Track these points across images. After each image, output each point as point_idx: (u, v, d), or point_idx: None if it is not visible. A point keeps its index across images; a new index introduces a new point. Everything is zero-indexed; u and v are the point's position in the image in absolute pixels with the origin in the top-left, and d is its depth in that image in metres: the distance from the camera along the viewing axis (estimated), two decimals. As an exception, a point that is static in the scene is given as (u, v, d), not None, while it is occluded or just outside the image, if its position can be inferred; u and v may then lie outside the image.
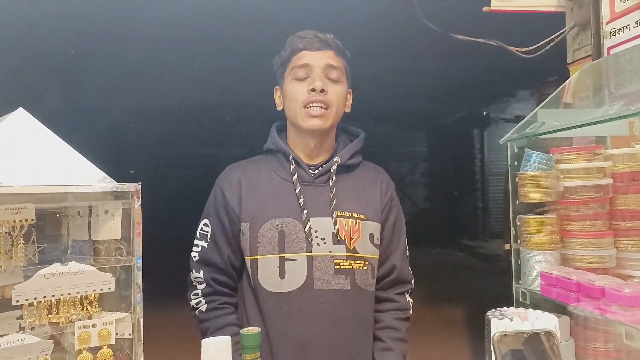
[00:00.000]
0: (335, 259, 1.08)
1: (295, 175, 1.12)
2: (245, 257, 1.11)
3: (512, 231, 0.99)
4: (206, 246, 1.14)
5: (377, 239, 1.14)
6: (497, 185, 8.05)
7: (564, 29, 1.49)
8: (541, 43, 1.54)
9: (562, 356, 0.87)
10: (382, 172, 1.24)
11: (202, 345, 0.67)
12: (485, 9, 1.59)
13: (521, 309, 0.84)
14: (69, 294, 0.66)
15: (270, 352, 1.07)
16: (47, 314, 0.64)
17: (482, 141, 8.38)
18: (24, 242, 0.63)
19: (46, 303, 0.64)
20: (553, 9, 1.56)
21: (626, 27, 1.16)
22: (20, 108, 0.68)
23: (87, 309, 0.67)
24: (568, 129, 0.89)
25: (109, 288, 0.68)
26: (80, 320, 0.66)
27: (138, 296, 0.68)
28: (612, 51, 1.20)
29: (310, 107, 1.11)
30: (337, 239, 1.09)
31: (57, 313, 0.65)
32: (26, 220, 0.64)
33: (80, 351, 0.66)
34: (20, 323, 0.64)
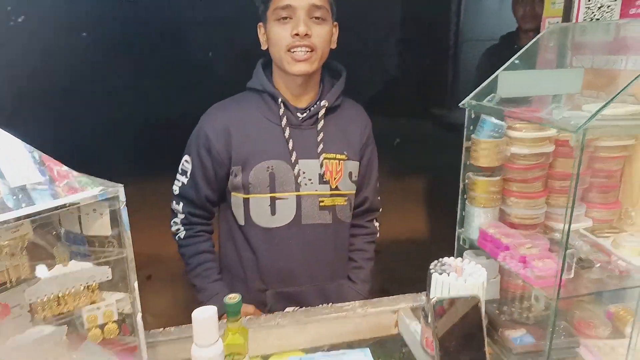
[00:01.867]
0: (320, 197, 1.22)
1: (285, 119, 1.18)
2: (237, 195, 1.22)
3: (461, 185, 1.11)
4: (185, 182, 1.25)
5: (355, 176, 1.27)
6: (470, 52, 7.92)
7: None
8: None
9: (489, 292, 1.07)
10: (361, 111, 1.32)
11: (192, 319, 0.81)
12: None
13: (458, 261, 1.00)
14: (73, 287, 0.76)
15: (261, 280, 1.26)
16: (57, 306, 0.75)
17: (458, 4, 8.00)
18: (26, 254, 0.71)
19: (54, 297, 0.75)
20: None
21: (601, -29, 1.13)
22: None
23: (90, 296, 0.78)
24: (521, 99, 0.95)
25: (107, 277, 0.79)
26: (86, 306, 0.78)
27: (135, 284, 0.79)
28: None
29: (294, 51, 1.11)
30: (322, 180, 1.21)
31: (66, 304, 0.76)
32: (25, 235, 0.71)
33: (89, 329, 0.79)
34: (29, 316, 0.75)
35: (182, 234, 1.27)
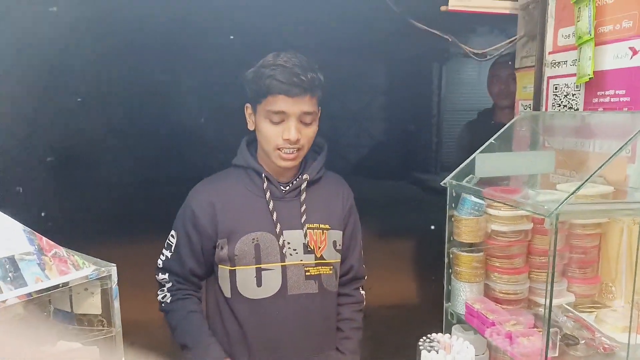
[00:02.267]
0: (306, 267, 1.23)
1: (268, 192, 1.23)
2: (223, 268, 1.23)
3: (446, 260, 1.14)
4: (169, 256, 1.27)
5: (339, 245, 1.30)
6: (451, 120, 8.28)
7: (514, 37, 1.55)
8: (492, 48, 1.61)
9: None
10: (342, 183, 1.38)
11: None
12: (443, 8, 1.61)
13: (447, 337, 1.01)
14: (60, 368, 0.75)
15: (248, 353, 1.24)
16: (42, 389, 0.74)
17: (440, 76, 8.47)
18: (15, 335, 0.71)
19: (40, 379, 0.74)
20: (507, 11, 1.60)
21: (564, 62, 1.25)
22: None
23: (76, 378, 0.77)
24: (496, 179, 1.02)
25: (95, 358, 0.78)
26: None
27: (121, 364, 0.79)
28: (552, 81, 1.30)
29: (283, 150, 1.19)
30: (307, 249, 1.23)
31: (51, 386, 0.75)
32: (16, 315, 0.71)
33: (73, 413, 0.77)
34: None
35: (168, 300, 1.27)
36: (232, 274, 1.23)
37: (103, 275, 0.76)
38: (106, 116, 1.80)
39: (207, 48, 2.00)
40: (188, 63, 2.05)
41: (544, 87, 1.32)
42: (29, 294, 0.69)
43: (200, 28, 1.97)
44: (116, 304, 0.78)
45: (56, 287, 0.72)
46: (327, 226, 1.28)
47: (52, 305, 0.82)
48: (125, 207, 1.80)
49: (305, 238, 1.24)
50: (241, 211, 1.23)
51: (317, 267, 1.26)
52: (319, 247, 1.26)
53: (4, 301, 0.66)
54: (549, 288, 0.80)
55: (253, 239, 1.21)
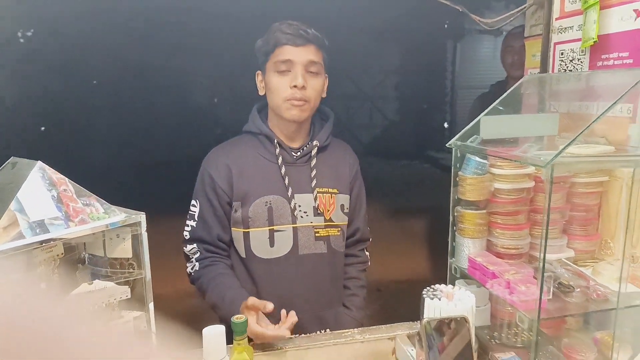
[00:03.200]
0: (315, 229, 1.31)
1: (280, 158, 1.29)
2: (237, 230, 1.30)
3: (451, 218, 1.20)
4: (195, 225, 1.32)
5: (347, 208, 1.37)
6: (465, 98, 8.22)
7: (524, 6, 1.57)
8: (501, 17, 1.62)
9: (479, 319, 1.14)
10: (348, 149, 1.44)
11: (203, 336, 0.88)
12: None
13: (449, 287, 1.08)
14: (97, 304, 0.84)
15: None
16: (82, 321, 0.83)
17: (454, 53, 8.37)
18: (57, 272, 0.80)
19: (79, 313, 0.82)
20: (516, -20, 1.61)
21: (570, 28, 1.27)
22: (39, 162, 0.79)
23: (110, 313, 0.86)
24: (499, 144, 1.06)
25: (127, 296, 0.86)
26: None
27: (150, 305, 0.87)
28: (558, 47, 1.32)
29: (291, 101, 1.24)
30: (317, 212, 1.30)
31: (89, 320, 0.83)
32: (57, 255, 0.79)
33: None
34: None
35: (197, 267, 1.28)
36: (246, 235, 1.29)
37: (135, 221, 0.83)
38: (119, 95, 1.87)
39: (217, 31, 2.05)
40: (200, 45, 2.11)
41: (551, 53, 1.34)
42: (55, 239, 0.77)
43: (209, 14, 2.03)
44: (145, 248, 0.86)
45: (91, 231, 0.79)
46: (336, 190, 1.35)
47: (86, 251, 0.91)
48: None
49: (315, 201, 1.30)
50: (254, 175, 1.29)
51: (326, 229, 1.33)
52: (328, 210, 1.33)
53: (51, 239, 0.74)
54: (544, 233, 0.85)
55: (266, 202, 1.28)
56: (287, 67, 1.23)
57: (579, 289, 0.99)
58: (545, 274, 0.89)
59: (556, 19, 1.32)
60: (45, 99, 1.74)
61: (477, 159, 1.10)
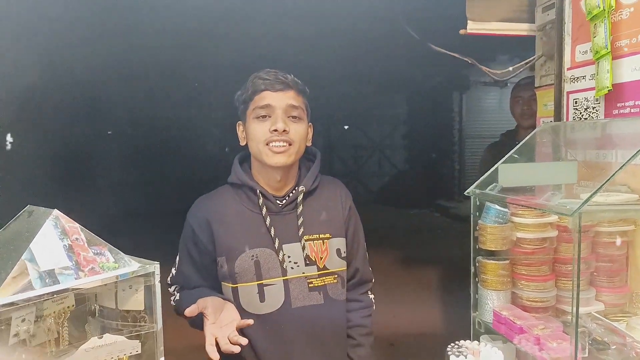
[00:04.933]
0: (309, 279, 1.24)
1: (264, 208, 1.24)
2: (227, 285, 1.26)
3: (472, 269, 1.16)
4: (174, 273, 1.33)
5: (344, 252, 1.30)
6: (473, 147, 8.30)
7: (533, 57, 1.60)
8: (511, 68, 1.66)
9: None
10: (339, 185, 1.38)
11: None
12: (462, 31, 1.67)
13: (475, 344, 1.02)
14: (105, 359, 0.80)
15: None
16: (89, 378, 0.78)
17: (461, 104, 8.52)
18: (67, 325, 0.77)
19: (87, 369, 0.78)
20: (525, 33, 1.65)
21: (583, 77, 1.28)
22: (55, 210, 0.79)
23: (120, 370, 0.81)
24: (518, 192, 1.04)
25: (137, 351, 0.83)
26: (115, 379, 0.81)
27: (161, 358, 0.83)
28: (571, 95, 1.33)
29: (272, 144, 1.20)
30: (308, 261, 1.23)
31: (97, 377, 0.79)
32: (68, 307, 0.77)
33: (117, 403, 0.81)
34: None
35: (177, 296, 1.30)
36: (235, 291, 1.23)
37: (148, 272, 0.81)
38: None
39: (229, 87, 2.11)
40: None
41: (564, 102, 1.35)
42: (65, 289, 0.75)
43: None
44: (158, 300, 0.83)
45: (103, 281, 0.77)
46: (328, 235, 1.27)
47: (97, 303, 0.88)
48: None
49: (304, 251, 1.24)
50: (238, 228, 1.23)
51: (321, 278, 1.25)
52: (321, 258, 1.25)
53: (63, 290, 0.72)
54: (575, 285, 0.81)
55: (252, 256, 1.21)
56: (266, 112, 1.20)
57: (614, 346, 0.93)
58: (578, 329, 0.84)
59: (568, 69, 1.33)
60: (63, 149, 1.77)
61: (498, 207, 1.08)
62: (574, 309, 0.82)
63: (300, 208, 1.26)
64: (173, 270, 1.33)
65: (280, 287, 1.22)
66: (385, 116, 9.50)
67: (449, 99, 8.59)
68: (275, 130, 1.18)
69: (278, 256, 1.22)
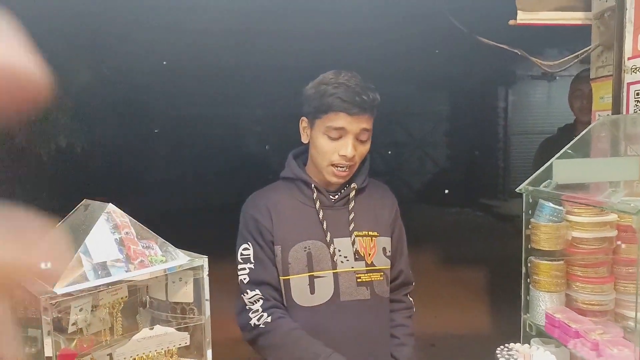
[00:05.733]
0: (357, 274, 1.25)
1: (318, 202, 1.26)
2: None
3: (524, 269, 1.11)
4: (253, 267, 1.26)
5: (389, 251, 1.31)
6: (519, 144, 7.97)
7: (589, 47, 1.52)
8: (566, 59, 1.57)
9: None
10: (387, 190, 1.42)
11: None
12: (511, 22, 1.61)
13: (525, 347, 0.98)
14: (156, 350, 0.82)
15: None
16: (141, 367, 0.81)
17: (506, 100, 8.22)
18: (121, 315, 0.79)
19: (139, 358, 0.81)
20: (579, 22, 1.57)
21: (647, 67, 1.20)
22: (110, 204, 0.82)
23: (169, 359, 0.84)
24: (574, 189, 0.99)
25: (186, 343, 0.85)
26: (165, 369, 0.83)
27: (208, 352, 0.84)
28: (632, 87, 1.25)
29: (337, 168, 1.23)
30: (357, 256, 1.24)
31: (149, 365, 0.82)
32: (122, 298, 0.80)
33: (166, 392, 0.83)
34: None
35: (268, 319, 1.21)
36: (287, 283, 1.25)
37: (197, 265, 0.83)
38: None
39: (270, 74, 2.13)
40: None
41: (624, 94, 1.27)
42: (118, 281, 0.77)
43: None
44: (206, 293, 0.84)
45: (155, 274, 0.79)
46: (376, 233, 1.30)
47: (148, 294, 0.90)
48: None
49: (354, 245, 1.26)
50: (292, 220, 1.26)
51: (369, 274, 1.27)
52: (369, 254, 1.27)
53: (119, 282, 0.74)
54: (639, 288, 0.76)
55: (305, 247, 1.24)
56: (338, 135, 1.21)
57: (682, 355, 0.86)
58: (642, 335, 0.79)
59: (629, 59, 1.25)
60: (114, 146, 1.84)
61: (552, 205, 1.03)
62: (638, 313, 0.77)
63: (352, 204, 1.29)
64: (249, 266, 1.25)
65: (330, 279, 1.24)
66: (428, 113, 9.31)
67: (494, 94, 8.31)
68: (344, 156, 1.20)
69: (329, 249, 1.24)
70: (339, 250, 1.25)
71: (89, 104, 1.83)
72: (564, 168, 1.05)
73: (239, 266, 1.27)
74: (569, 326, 0.95)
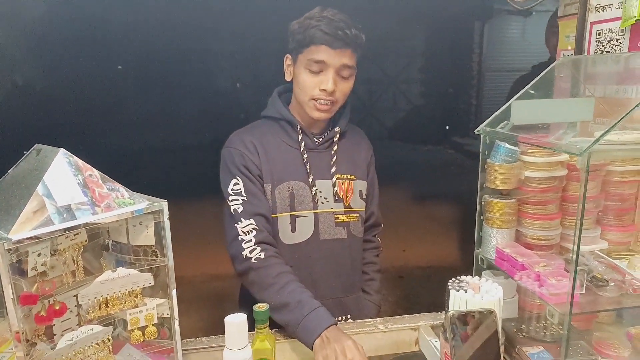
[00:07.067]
0: (335, 214, 1.30)
1: (303, 144, 1.28)
2: None
3: (478, 207, 1.16)
4: (246, 199, 1.22)
5: (364, 194, 1.36)
6: (493, 82, 7.99)
7: (558, -16, 1.49)
8: (535, -4, 1.55)
9: (506, 311, 1.11)
10: (363, 135, 1.46)
11: (225, 323, 0.88)
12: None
13: (476, 279, 1.05)
14: (120, 291, 0.84)
15: None
16: (105, 308, 0.84)
17: (481, 35, 8.11)
18: (82, 259, 0.80)
19: (103, 299, 0.83)
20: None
21: (610, 6, 1.20)
22: (62, 149, 0.80)
23: (134, 300, 0.86)
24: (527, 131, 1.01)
25: (150, 283, 0.87)
26: (130, 309, 0.86)
27: (173, 292, 0.87)
28: (595, 27, 1.25)
29: (318, 101, 1.22)
30: (336, 198, 1.29)
31: (113, 306, 0.84)
32: (82, 242, 0.80)
33: (132, 330, 0.86)
34: (78, 318, 0.83)
35: (261, 255, 1.18)
36: (274, 220, 1.27)
37: (157, 209, 0.83)
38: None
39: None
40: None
41: (587, 33, 1.27)
42: (94, 223, 0.77)
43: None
44: (168, 236, 0.85)
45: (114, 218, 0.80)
46: (353, 177, 1.35)
47: (110, 238, 0.91)
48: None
49: (334, 188, 1.29)
50: (277, 160, 1.27)
51: (346, 215, 1.33)
52: (347, 196, 1.32)
53: (76, 227, 0.74)
54: (578, 224, 0.81)
55: (289, 188, 1.27)
56: (319, 68, 1.19)
57: (613, 283, 0.94)
58: (578, 267, 0.85)
59: (594, -3, 1.24)
60: (68, 85, 1.76)
61: (508, 146, 1.06)
62: (575, 246, 0.83)
63: (335, 147, 1.30)
64: (240, 199, 1.20)
65: (310, 219, 1.28)
66: (401, 49, 9.12)
67: (468, 30, 8.15)
68: (324, 90, 1.20)
69: (311, 190, 1.27)
70: (320, 192, 1.29)
71: (41, 37, 1.72)
72: (521, 109, 1.07)
73: (230, 198, 1.22)
74: (516, 260, 1.01)
